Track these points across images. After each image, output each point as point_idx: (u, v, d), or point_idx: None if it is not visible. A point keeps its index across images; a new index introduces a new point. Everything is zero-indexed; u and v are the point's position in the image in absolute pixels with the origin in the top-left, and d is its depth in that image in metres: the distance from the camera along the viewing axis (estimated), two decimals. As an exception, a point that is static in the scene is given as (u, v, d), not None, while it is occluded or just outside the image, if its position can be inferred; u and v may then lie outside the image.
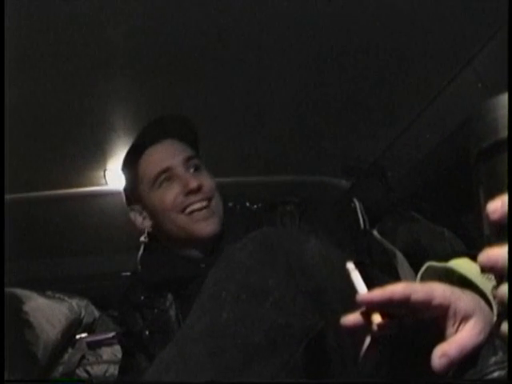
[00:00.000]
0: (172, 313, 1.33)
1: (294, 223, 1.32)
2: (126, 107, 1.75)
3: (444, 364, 0.58)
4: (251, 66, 1.58)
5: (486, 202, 0.51)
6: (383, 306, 0.61)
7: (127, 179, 1.44)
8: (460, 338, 0.61)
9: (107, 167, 2.11)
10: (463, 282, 0.69)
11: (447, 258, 0.75)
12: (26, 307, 1.98)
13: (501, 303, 0.52)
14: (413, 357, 0.66)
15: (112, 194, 2.24)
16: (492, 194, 0.51)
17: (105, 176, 2.15)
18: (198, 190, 1.30)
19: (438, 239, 1.90)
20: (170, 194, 1.32)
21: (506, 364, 0.58)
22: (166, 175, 1.34)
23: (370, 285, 0.64)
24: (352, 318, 0.64)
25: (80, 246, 2.54)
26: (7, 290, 1.78)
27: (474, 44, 1.47)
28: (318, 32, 1.43)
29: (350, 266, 0.69)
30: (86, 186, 2.19)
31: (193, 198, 1.30)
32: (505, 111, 0.52)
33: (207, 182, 1.34)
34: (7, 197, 1.78)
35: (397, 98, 1.78)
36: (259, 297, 0.77)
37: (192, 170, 1.35)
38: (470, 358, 0.60)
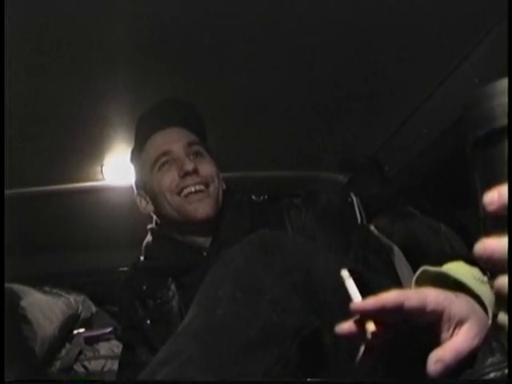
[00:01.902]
0: (174, 303, 1.33)
1: (300, 216, 1.32)
2: (123, 103, 1.75)
3: (440, 369, 0.58)
4: (250, 63, 1.58)
5: (482, 191, 0.51)
6: (377, 314, 0.61)
7: (134, 166, 1.47)
8: (455, 343, 0.61)
9: (104, 162, 2.11)
10: (458, 286, 0.69)
11: (442, 262, 0.75)
12: (24, 303, 1.98)
13: (498, 294, 0.52)
14: (408, 362, 0.66)
15: (109, 189, 2.25)
16: (489, 184, 0.51)
17: (102, 171, 2.15)
18: (194, 172, 1.31)
19: (434, 234, 1.90)
20: (168, 177, 1.34)
21: (502, 365, 0.58)
22: (165, 158, 1.35)
23: (364, 292, 0.64)
24: (346, 327, 0.64)
25: (77, 241, 2.54)
26: (5, 285, 1.77)
27: (472, 38, 1.47)
28: (316, 26, 1.43)
29: (345, 273, 0.69)
30: (83, 181, 2.19)
31: (189, 181, 1.31)
32: (501, 99, 0.51)
33: (205, 166, 1.35)
34: (5, 192, 1.78)
35: (394, 93, 1.78)
36: (255, 295, 0.77)
37: (192, 156, 1.36)
38: (467, 361, 0.60)
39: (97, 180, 2.20)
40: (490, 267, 0.52)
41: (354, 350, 0.65)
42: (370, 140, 2.12)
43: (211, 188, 1.34)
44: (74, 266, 2.65)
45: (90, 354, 2.09)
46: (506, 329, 0.56)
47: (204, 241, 1.36)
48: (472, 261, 0.73)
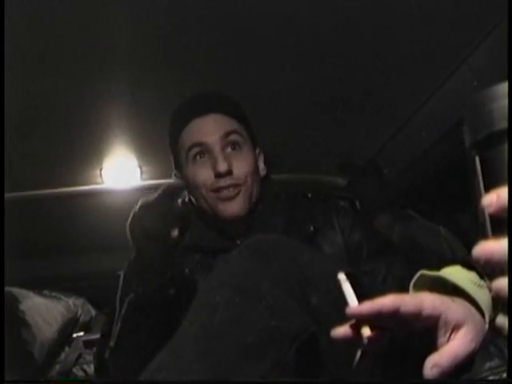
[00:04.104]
0: (198, 277, 1.26)
1: (348, 220, 1.29)
2: (123, 106, 1.75)
3: (436, 374, 0.58)
4: (249, 67, 1.58)
5: (481, 194, 0.51)
6: (373, 319, 0.61)
7: (171, 145, 1.40)
8: (451, 348, 0.61)
9: (103, 166, 2.11)
10: (456, 290, 0.69)
11: (440, 266, 0.76)
12: (23, 306, 1.98)
13: (496, 296, 0.52)
14: (405, 367, 0.66)
15: (108, 193, 2.25)
16: (488, 186, 0.51)
17: (101, 175, 2.15)
18: (227, 173, 1.26)
19: (433, 237, 1.91)
20: (202, 174, 1.29)
21: (501, 369, 0.59)
22: (199, 149, 1.30)
23: (360, 295, 0.65)
24: (342, 331, 0.64)
25: (76, 244, 2.54)
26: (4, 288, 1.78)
27: (470, 41, 1.47)
28: (315, 31, 1.43)
29: (342, 276, 0.69)
30: (82, 184, 2.19)
31: (222, 182, 1.27)
32: (500, 103, 0.52)
33: (240, 163, 1.29)
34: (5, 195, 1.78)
35: (393, 96, 1.78)
36: (252, 300, 0.77)
37: (229, 149, 1.30)
38: (464, 365, 0.61)
39: (96, 183, 2.20)
40: (488, 269, 0.52)
41: (351, 354, 0.65)
42: (369, 143, 2.13)
43: (244, 186, 1.29)
44: (73, 270, 2.65)
45: (89, 357, 2.08)
46: (505, 331, 0.56)
47: (237, 230, 1.32)
48: (470, 265, 0.74)
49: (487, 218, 0.51)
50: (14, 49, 1.32)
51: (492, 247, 0.50)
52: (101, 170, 2.13)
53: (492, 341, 0.62)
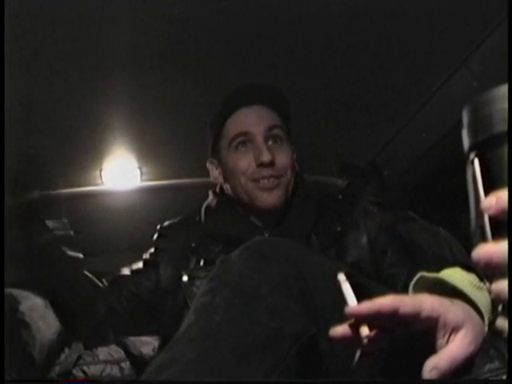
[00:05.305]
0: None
1: (375, 225, 1.29)
2: (122, 108, 1.75)
3: (435, 376, 0.59)
4: (250, 66, 1.58)
5: (480, 197, 0.51)
6: (372, 319, 0.61)
7: (213, 132, 1.42)
8: (450, 350, 0.61)
9: (103, 167, 2.11)
10: (455, 292, 0.69)
11: (439, 268, 0.76)
12: (22, 307, 1.98)
13: (496, 299, 0.52)
14: (405, 368, 0.67)
15: (108, 194, 2.25)
16: (487, 189, 0.51)
17: (101, 176, 2.15)
18: (270, 164, 1.30)
19: (434, 238, 1.90)
20: (244, 161, 1.32)
21: (500, 372, 0.59)
22: (243, 139, 1.33)
23: (360, 296, 0.65)
24: (340, 330, 0.64)
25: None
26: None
27: (470, 43, 1.47)
28: (316, 32, 1.43)
29: (341, 277, 0.69)
30: (82, 185, 2.19)
31: (264, 172, 1.30)
32: (499, 105, 0.51)
33: (282, 156, 1.33)
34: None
35: (393, 98, 1.78)
36: (252, 302, 0.77)
37: (271, 142, 1.33)
38: (463, 367, 0.61)
39: (96, 185, 2.20)
40: (488, 272, 0.52)
41: (351, 356, 0.65)
42: (369, 145, 2.13)
43: (284, 178, 1.32)
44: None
45: (89, 358, 2.08)
46: (505, 333, 0.56)
47: (268, 222, 1.34)
48: (469, 267, 0.74)
49: (487, 221, 0.51)
50: (15, 50, 1.32)
51: (492, 249, 0.50)
52: (101, 171, 2.13)
53: (492, 343, 0.62)
